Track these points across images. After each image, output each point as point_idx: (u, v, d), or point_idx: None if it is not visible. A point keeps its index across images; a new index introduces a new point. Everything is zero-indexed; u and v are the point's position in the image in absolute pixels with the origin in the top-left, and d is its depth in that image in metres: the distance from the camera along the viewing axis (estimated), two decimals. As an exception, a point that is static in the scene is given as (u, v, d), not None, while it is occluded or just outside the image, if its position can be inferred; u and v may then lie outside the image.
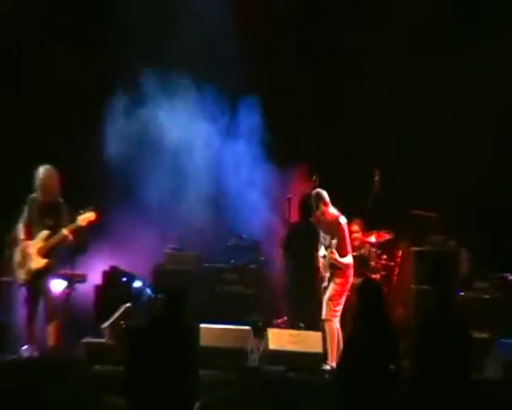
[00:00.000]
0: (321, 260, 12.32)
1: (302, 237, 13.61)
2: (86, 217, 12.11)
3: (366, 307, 8.90)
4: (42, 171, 12.16)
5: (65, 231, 11.98)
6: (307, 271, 13.16)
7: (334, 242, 12.06)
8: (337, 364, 9.47)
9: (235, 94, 15.35)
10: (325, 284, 12.19)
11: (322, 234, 12.39)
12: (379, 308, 8.89)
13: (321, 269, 12.31)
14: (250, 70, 14.85)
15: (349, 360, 8.90)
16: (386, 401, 8.66)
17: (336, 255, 12.01)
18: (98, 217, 12.33)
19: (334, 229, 12.17)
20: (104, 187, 14.72)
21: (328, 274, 12.18)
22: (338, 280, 12.07)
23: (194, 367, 9.63)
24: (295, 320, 13.47)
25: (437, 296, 8.96)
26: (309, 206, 12.89)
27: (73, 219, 12.11)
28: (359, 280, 10.36)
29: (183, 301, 9.78)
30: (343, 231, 12.18)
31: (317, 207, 12.38)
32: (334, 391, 9.33)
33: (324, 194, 12.40)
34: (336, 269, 12.08)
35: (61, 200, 12.20)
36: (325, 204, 12.36)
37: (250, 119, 15.24)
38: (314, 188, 13.15)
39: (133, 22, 15.38)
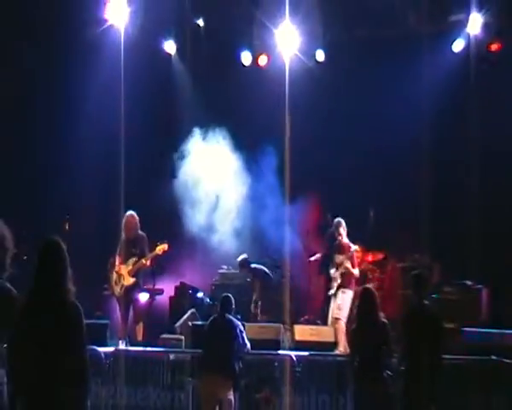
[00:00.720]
0: (332, 272, 12.45)
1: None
2: (161, 247, 12.51)
3: (365, 307, 9.13)
4: (126, 215, 12.57)
5: (144, 261, 12.36)
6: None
7: (346, 260, 12.30)
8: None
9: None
10: (332, 291, 12.34)
11: (336, 254, 12.51)
12: (374, 307, 9.11)
13: (333, 279, 12.40)
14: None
15: (355, 345, 9.19)
16: (382, 370, 8.83)
17: (350, 267, 12.25)
18: (170, 247, 12.59)
19: (347, 252, 12.41)
20: (173, 225, 14.60)
21: (336, 284, 12.32)
22: (346, 289, 12.25)
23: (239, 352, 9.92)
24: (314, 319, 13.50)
25: (416, 299, 9.02)
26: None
27: (153, 249, 12.48)
28: (360, 288, 10.34)
29: (229, 305, 10.14)
30: (353, 255, 12.46)
31: (338, 232, 12.55)
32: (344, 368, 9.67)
33: (343, 223, 12.60)
34: (346, 279, 12.26)
35: (142, 234, 12.54)
36: (343, 230, 12.56)
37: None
38: (328, 223, 13.52)
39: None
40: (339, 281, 12.34)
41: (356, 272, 12.39)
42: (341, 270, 12.31)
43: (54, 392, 5.92)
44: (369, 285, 12.80)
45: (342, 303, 12.15)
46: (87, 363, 6.09)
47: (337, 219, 12.65)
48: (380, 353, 8.85)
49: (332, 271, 12.48)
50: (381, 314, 9.18)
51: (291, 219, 14.18)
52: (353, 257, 12.47)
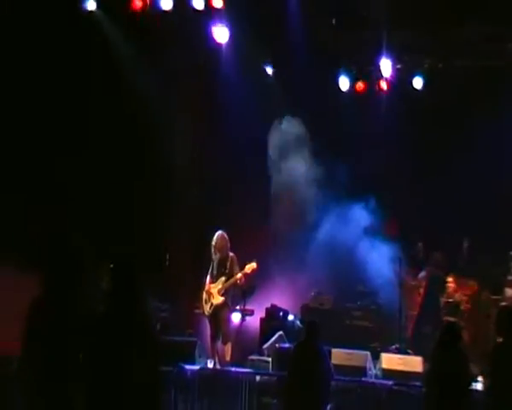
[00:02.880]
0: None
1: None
2: (251, 266, 12.45)
3: (450, 342, 8.84)
4: (216, 236, 12.62)
5: (239, 275, 12.36)
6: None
7: None
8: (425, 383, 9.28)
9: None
10: None
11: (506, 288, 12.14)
12: (457, 343, 8.85)
13: None
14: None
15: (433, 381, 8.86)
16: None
17: None
18: (259, 266, 12.54)
19: None
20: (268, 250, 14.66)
21: None
22: None
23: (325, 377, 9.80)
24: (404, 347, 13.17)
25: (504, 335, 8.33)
26: None
27: (242, 268, 12.46)
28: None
29: (315, 330, 9.98)
30: None
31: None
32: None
33: None
34: None
35: (231, 254, 12.57)
36: None
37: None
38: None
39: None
40: None
41: None
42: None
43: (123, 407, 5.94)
44: (462, 316, 13.17)
45: None
46: (159, 378, 6.08)
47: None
48: (459, 387, 8.56)
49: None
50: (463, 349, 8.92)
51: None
52: None
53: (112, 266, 6.14)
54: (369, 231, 14.28)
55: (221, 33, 14.34)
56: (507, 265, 12.08)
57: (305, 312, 14.01)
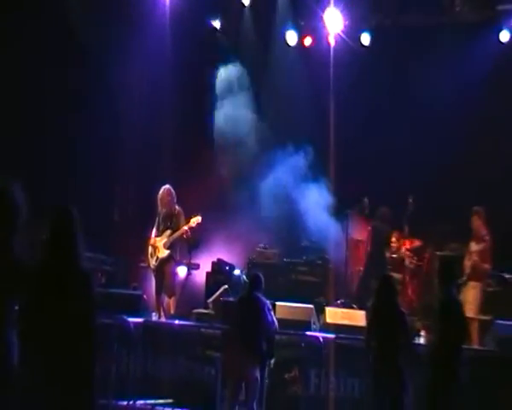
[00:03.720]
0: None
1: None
2: (196, 219, 12.47)
3: (384, 294, 8.91)
4: (162, 190, 12.57)
5: (184, 228, 12.31)
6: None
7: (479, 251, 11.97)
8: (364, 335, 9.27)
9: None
10: (460, 281, 11.23)
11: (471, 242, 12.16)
12: (394, 295, 8.93)
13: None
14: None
15: (371, 333, 8.96)
16: (398, 360, 8.61)
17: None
18: (205, 220, 12.52)
19: (481, 242, 12.05)
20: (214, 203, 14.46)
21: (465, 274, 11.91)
22: (475, 282, 11.94)
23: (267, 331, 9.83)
24: (349, 302, 13.26)
25: (443, 288, 8.46)
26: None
27: (187, 222, 12.43)
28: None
29: (258, 284, 10.00)
30: (487, 247, 12.04)
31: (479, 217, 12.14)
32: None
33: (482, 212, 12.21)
34: (476, 271, 11.94)
35: (178, 208, 12.55)
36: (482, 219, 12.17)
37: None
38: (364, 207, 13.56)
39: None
40: (468, 271, 11.97)
41: (486, 266, 12.03)
42: (471, 261, 11.97)
43: (60, 359, 5.86)
44: (407, 271, 13.38)
45: (470, 297, 11.69)
46: (94, 332, 6.00)
47: (476, 208, 12.24)
48: (396, 341, 8.64)
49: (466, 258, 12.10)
50: (400, 304, 9.04)
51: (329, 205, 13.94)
52: (486, 250, 12.03)
53: (50, 215, 6.09)
54: (316, 186, 14.15)
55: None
56: (471, 219, 12.16)
57: (251, 266, 13.95)
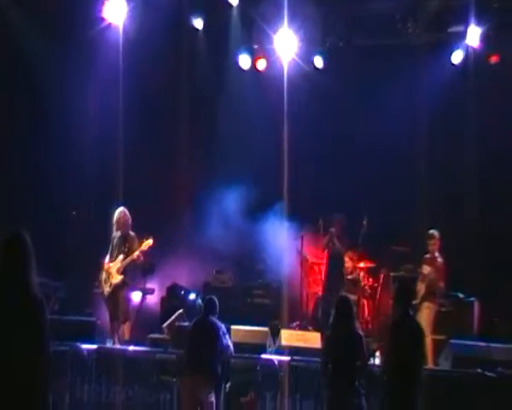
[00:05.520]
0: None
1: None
2: (147, 243, 12.31)
3: (341, 315, 8.87)
4: (118, 212, 12.41)
5: (136, 253, 12.17)
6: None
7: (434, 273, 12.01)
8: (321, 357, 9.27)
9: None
10: (415, 302, 10.90)
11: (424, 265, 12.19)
12: (350, 316, 8.90)
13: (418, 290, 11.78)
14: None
15: (327, 354, 8.92)
16: (354, 382, 8.59)
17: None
18: (158, 243, 12.43)
19: (435, 264, 12.11)
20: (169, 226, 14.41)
21: (420, 295, 11.80)
22: (431, 303, 11.98)
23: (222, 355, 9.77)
24: (305, 324, 13.39)
25: (399, 309, 8.42)
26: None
27: (140, 246, 12.29)
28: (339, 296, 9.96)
29: (212, 307, 9.95)
30: (442, 268, 12.12)
31: (432, 243, 12.19)
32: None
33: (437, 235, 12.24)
34: (431, 292, 11.96)
35: (132, 233, 12.40)
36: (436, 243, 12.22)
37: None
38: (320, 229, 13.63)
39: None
40: (423, 292, 11.95)
41: (441, 284, 12.09)
42: (427, 282, 11.97)
43: (11, 390, 5.73)
44: (362, 292, 13.42)
45: (424, 317, 11.62)
46: (47, 360, 5.86)
47: (432, 231, 12.26)
48: (353, 364, 8.62)
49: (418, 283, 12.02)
50: (357, 325, 9.02)
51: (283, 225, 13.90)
52: (441, 271, 12.11)
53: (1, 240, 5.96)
54: (271, 210, 14.13)
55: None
56: (426, 242, 12.25)
57: (207, 290, 13.83)
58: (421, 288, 11.98)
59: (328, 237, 13.70)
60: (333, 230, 13.70)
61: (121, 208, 12.45)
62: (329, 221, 13.76)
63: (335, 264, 13.83)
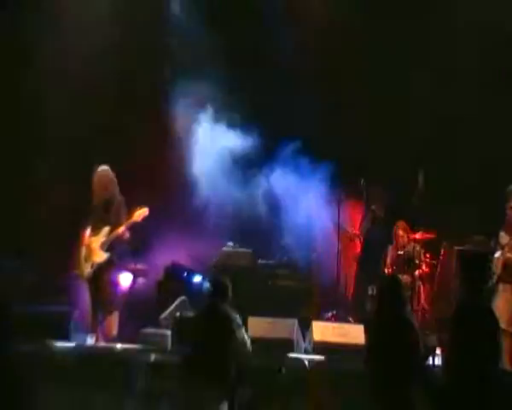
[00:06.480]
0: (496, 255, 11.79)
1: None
2: (141, 212, 12.30)
3: (388, 300, 8.80)
4: (98, 173, 12.41)
5: (121, 229, 12.17)
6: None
7: None
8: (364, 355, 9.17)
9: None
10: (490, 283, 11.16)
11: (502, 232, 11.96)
12: (400, 301, 8.79)
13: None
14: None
15: (372, 353, 8.86)
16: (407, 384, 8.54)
17: None
18: (152, 212, 12.40)
19: None
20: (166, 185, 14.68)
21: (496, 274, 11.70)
22: (507, 284, 11.73)
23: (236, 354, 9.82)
24: (344, 314, 13.48)
25: (467, 293, 8.43)
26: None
27: (130, 217, 12.29)
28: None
29: (223, 293, 9.94)
30: None
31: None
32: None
33: None
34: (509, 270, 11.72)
35: (120, 197, 12.39)
36: None
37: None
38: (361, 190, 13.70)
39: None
40: (499, 271, 11.78)
41: None
42: (505, 256, 11.75)
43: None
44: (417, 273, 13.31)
45: (501, 304, 11.46)
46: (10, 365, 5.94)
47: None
48: (405, 365, 8.57)
49: (496, 254, 11.88)
50: (411, 315, 8.94)
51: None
52: None
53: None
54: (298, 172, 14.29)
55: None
56: (506, 203, 12.06)
57: (216, 270, 13.78)
58: (497, 264, 11.78)
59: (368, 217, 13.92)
60: (374, 208, 13.86)
61: (103, 167, 12.42)
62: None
63: (377, 235, 14.14)
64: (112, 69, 15.14)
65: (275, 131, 14.67)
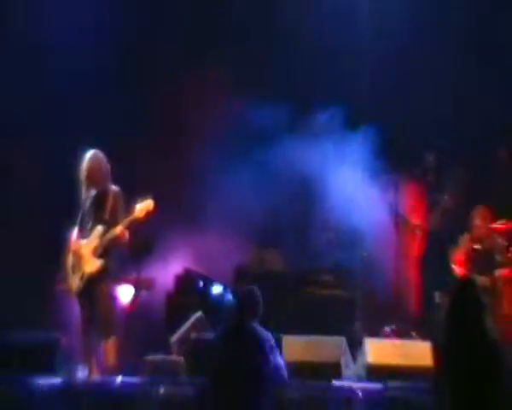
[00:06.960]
0: None
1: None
2: (144, 207, 11.57)
3: (461, 311, 8.16)
4: (87, 158, 11.76)
5: (118, 229, 11.50)
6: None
7: None
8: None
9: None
10: None
11: None
12: (478, 311, 8.09)
13: None
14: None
15: (443, 376, 8.17)
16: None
17: None
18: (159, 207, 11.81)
19: None
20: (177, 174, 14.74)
21: None
22: None
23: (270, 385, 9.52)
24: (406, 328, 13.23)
25: None
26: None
27: (130, 213, 11.64)
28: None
29: (253, 306, 9.77)
30: None
31: None
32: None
33: None
34: None
35: (115, 189, 11.74)
36: None
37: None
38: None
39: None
40: None
41: None
42: None
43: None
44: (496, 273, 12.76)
45: None
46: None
47: None
48: (485, 390, 7.83)
49: None
50: (492, 328, 8.12)
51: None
52: None
53: None
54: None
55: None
56: None
57: (241, 278, 13.94)
58: None
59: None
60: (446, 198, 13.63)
61: (93, 151, 11.74)
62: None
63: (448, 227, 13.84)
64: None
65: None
